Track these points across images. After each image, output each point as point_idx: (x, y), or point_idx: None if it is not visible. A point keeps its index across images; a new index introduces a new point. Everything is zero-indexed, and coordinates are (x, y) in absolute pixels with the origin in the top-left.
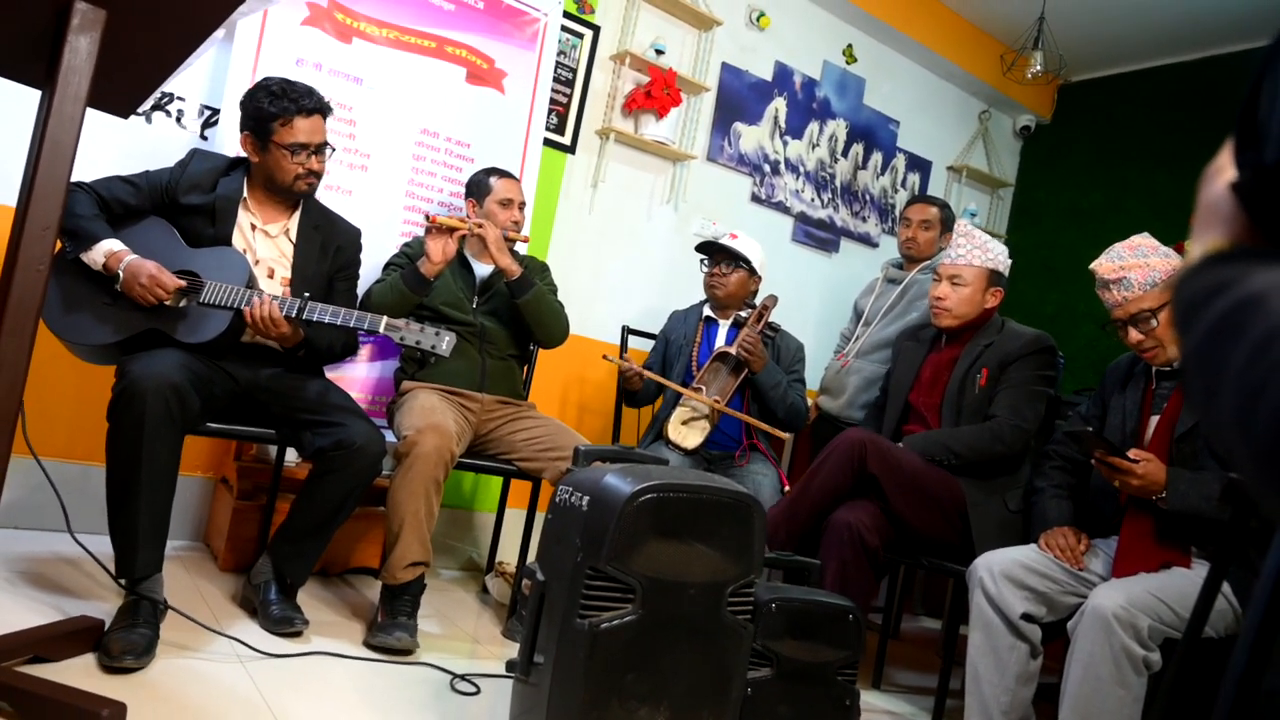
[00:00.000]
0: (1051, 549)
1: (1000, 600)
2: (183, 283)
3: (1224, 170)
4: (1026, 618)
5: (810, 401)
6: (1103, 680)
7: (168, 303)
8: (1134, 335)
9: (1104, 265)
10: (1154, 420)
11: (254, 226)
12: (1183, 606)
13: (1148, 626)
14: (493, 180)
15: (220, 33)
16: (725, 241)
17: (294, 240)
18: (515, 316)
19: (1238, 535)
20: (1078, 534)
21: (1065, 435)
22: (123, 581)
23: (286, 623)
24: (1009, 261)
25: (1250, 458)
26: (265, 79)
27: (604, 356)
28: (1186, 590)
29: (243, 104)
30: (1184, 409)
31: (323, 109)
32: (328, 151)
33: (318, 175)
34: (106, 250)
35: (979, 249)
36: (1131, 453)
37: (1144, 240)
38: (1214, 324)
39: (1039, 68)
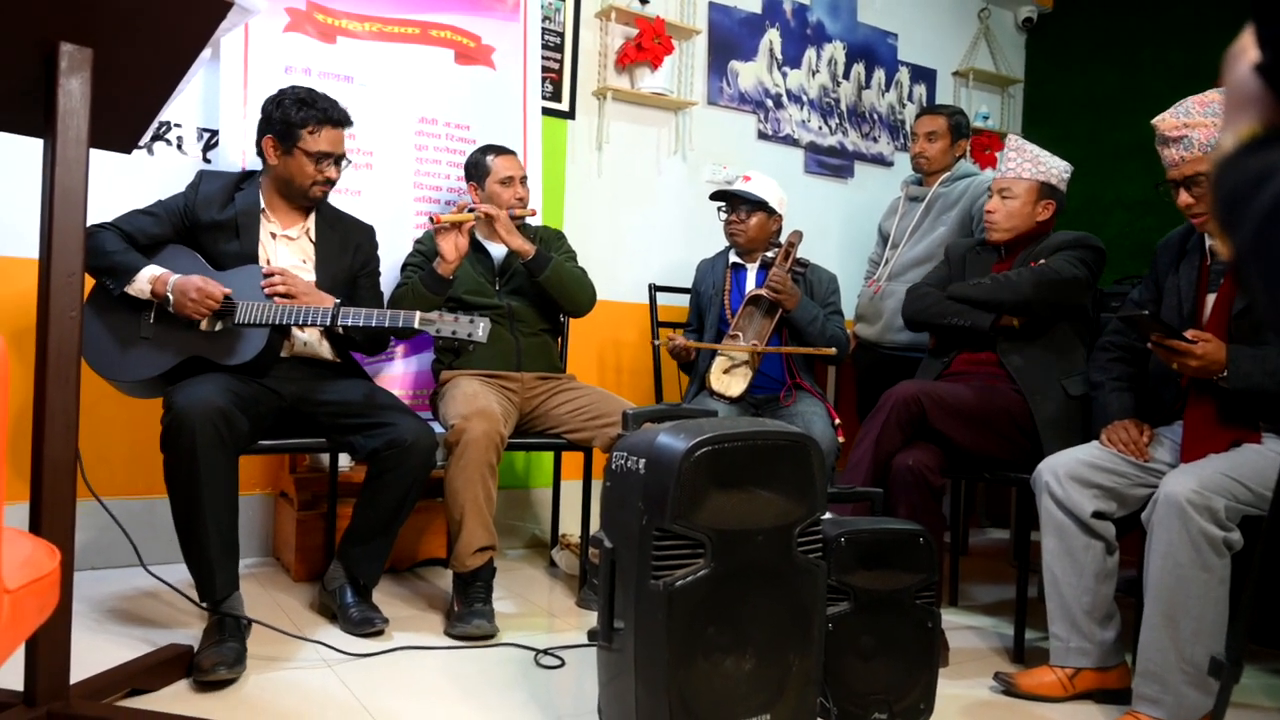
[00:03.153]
0: (1114, 444)
1: (1069, 502)
2: (229, 290)
3: (1247, 51)
4: (1098, 515)
5: (848, 331)
6: (1183, 566)
7: (203, 327)
8: (1184, 198)
9: (1167, 121)
10: (1211, 298)
11: (274, 235)
12: (1257, 483)
13: (1224, 507)
14: (490, 159)
15: (207, 53)
16: (738, 186)
17: (314, 240)
18: (540, 292)
19: None
20: (1139, 426)
21: (1120, 320)
22: (205, 604)
23: (367, 623)
24: (1066, 175)
25: None
26: (288, 87)
27: (654, 343)
28: (1260, 466)
29: (267, 109)
30: None
31: (346, 121)
32: (344, 164)
33: (332, 183)
34: (150, 277)
35: (1029, 162)
36: (1189, 333)
37: (1219, 97)
38: (1265, 214)
39: None
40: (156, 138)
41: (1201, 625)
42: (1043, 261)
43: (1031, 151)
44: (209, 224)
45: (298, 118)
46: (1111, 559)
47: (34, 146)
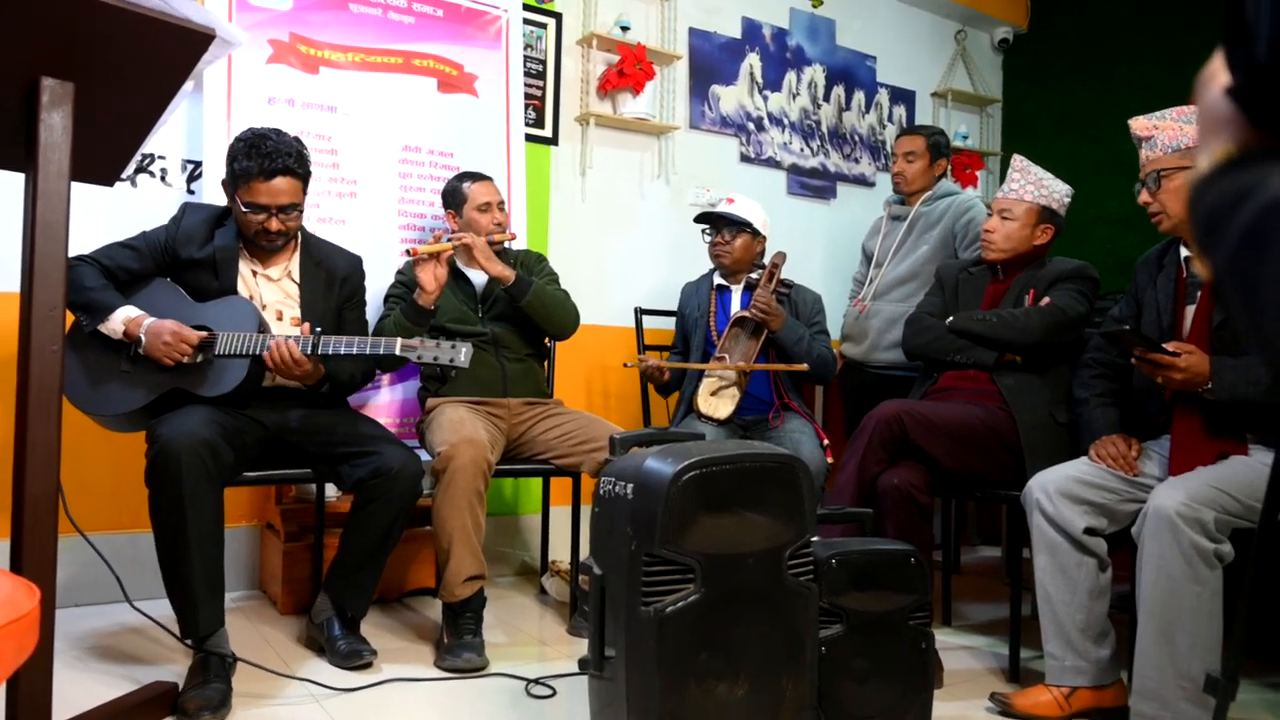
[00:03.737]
0: (1103, 459)
1: (1060, 519)
2: (204, 334)
3: (1217, 75)
4: (1089, 532)
5: (835, 350)
6: (1176, 580)
7: (185, 360)
8: (1144, 195)
9: (1139, 121)
10: (1189, 311)
11: (255, 273)
12: (1246, 494)
13: (1213, 519)
14: (466, 186)
15: (189, 85)
16: (722, 208)
17: (297, 280)
18: (524, 317)
19: None
20: (1128, 440)
21: (1102, 337)
22: (189, 641)
23: (355, 656)
24: (1067, 200)
25: None
26: (248, 130)
27: (625, 365)
28: (1248, 478)
29: (229, 148)
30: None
31: (292, 171)
32: (295, 212)
33: (277, 234)
34: (124, 317)
35: (1032, 184)
36: (1170, 346)
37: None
38: (1243, 235)
39: None
40: (140, 170)
41: (1197, 640)
42: (1045, 300)
43: (1035, 174)
44: (188, 261)
45: (239, 166)
46: (1104, 575)
47: (15, 180)
